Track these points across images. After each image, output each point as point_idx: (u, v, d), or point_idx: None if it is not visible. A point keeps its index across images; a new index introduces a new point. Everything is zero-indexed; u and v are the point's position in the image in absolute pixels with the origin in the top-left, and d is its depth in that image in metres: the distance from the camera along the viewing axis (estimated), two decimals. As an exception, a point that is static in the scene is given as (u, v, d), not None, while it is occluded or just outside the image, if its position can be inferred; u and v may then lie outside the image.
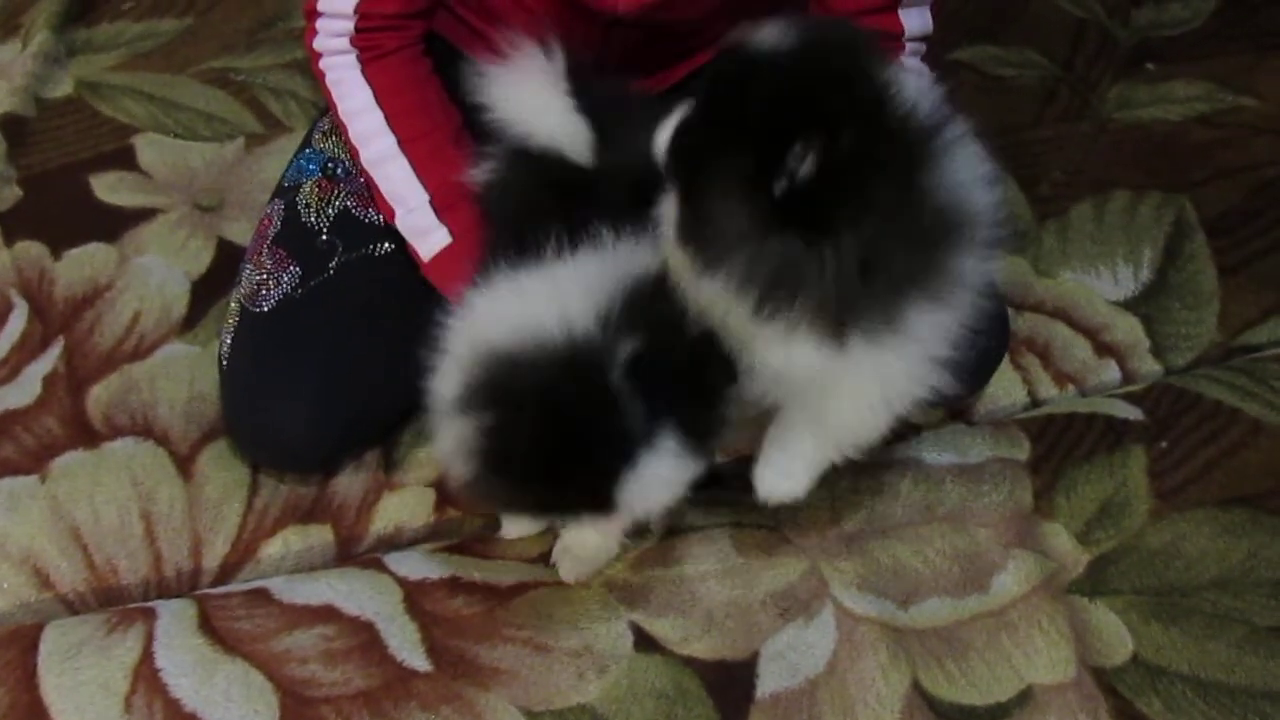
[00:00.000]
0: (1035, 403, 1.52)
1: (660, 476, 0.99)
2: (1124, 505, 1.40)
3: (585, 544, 1.23)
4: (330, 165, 1.38)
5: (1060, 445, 1.45)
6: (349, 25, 1.25)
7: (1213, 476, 1.44)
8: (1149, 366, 1.57)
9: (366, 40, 1.26)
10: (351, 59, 1.26)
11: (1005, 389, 1.52)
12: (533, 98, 1.10)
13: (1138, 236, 1.72)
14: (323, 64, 1.28)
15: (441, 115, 1.27)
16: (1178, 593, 1.33)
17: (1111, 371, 1.56)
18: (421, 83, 1.28)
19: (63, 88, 1.81)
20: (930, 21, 1.28)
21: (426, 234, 1.26)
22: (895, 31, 1.27)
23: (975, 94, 1.92)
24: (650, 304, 0.98)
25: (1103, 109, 1.92)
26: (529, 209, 1.10)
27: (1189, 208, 1.76)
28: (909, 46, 1.28)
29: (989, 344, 1.42)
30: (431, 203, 1.25)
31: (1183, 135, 1.88)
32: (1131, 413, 1.49)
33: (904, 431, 1.46)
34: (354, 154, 1.29)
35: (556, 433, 0.95)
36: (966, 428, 1.47)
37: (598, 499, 1.00)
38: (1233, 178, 1.81)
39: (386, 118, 1.26)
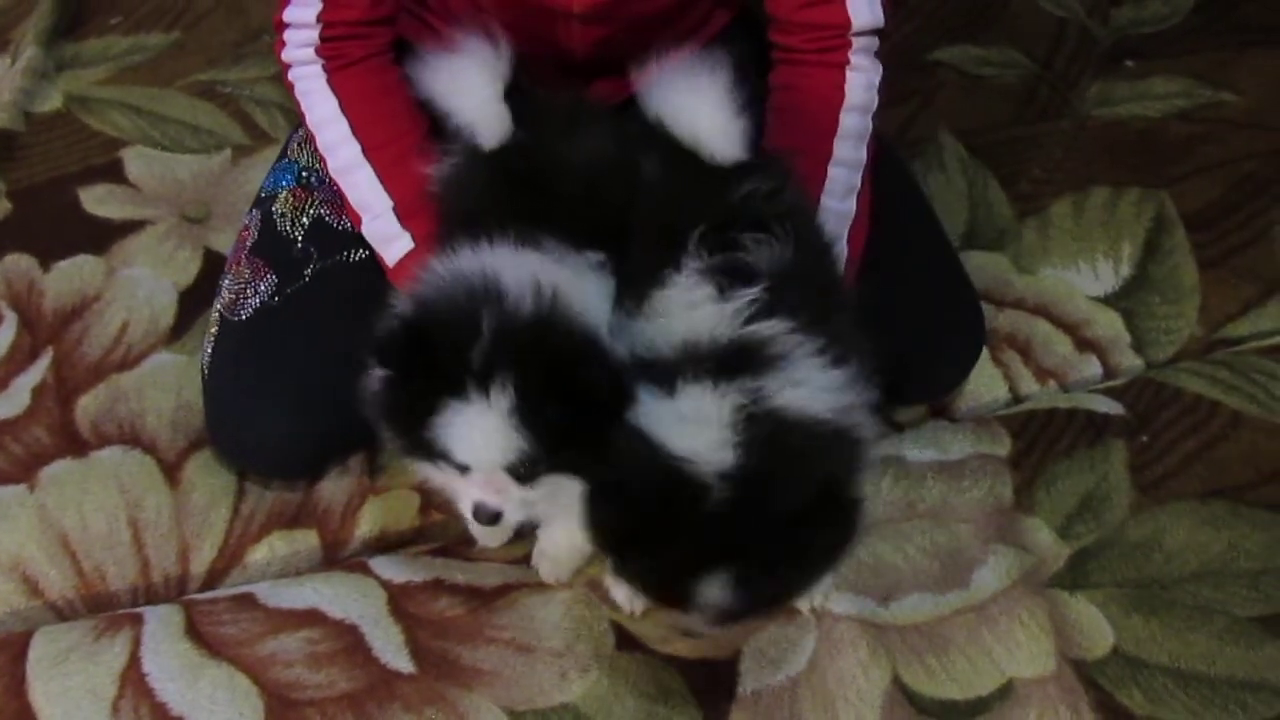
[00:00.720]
0: (1017, 399, 1.53)
1: None
2: (1104, 499, 1.40)
3: (560, 545, 1.24)
4: (305, 175, 1.39)
5: (1041, 440, 1.46)
6: (314, 35, 1.26)
7: (1193, 469, 1.44)
8: (1130, 361, 1.58)
9: (332, 50, 1.27)
10: (318, 69, 1.28)
11: (986, 385, 1.52)
12: (463, 81, 1.12)
13: (1118, 232, 1.72)
14: (291, 75, 1.30)
15: (407, 123, 1.28)
16: (1158, 585, 1.33)
17: (1093, 366, 1.57)
18: (387, 91, 1.29)
19: (51, 102, 1.84)
20: (881, 13, 1.28)
21: (390, 241, 1.27)
22: (841, 24, 1.27)
23: (955, 93, 1.93)
24: None
25: (1082, 106, 1.93)
26: (480, 205, 1.11)
27: (1168, 203, 1.76)
28: (856, 42, 1.28)
29: (966, 341, 1.43)
30: (395, 209, 1.27)
31: (1162, 131, 1.89)
32: (1112, 407, 1.50)
33: (886, 429, 1.47)
34: (323, 163, 1.31)
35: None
36: (948, 424, 1.48)
37: None
38: (1212, 172, 1.82)
39: (351, 126, 1.27)
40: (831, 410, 1.00)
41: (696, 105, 1.09)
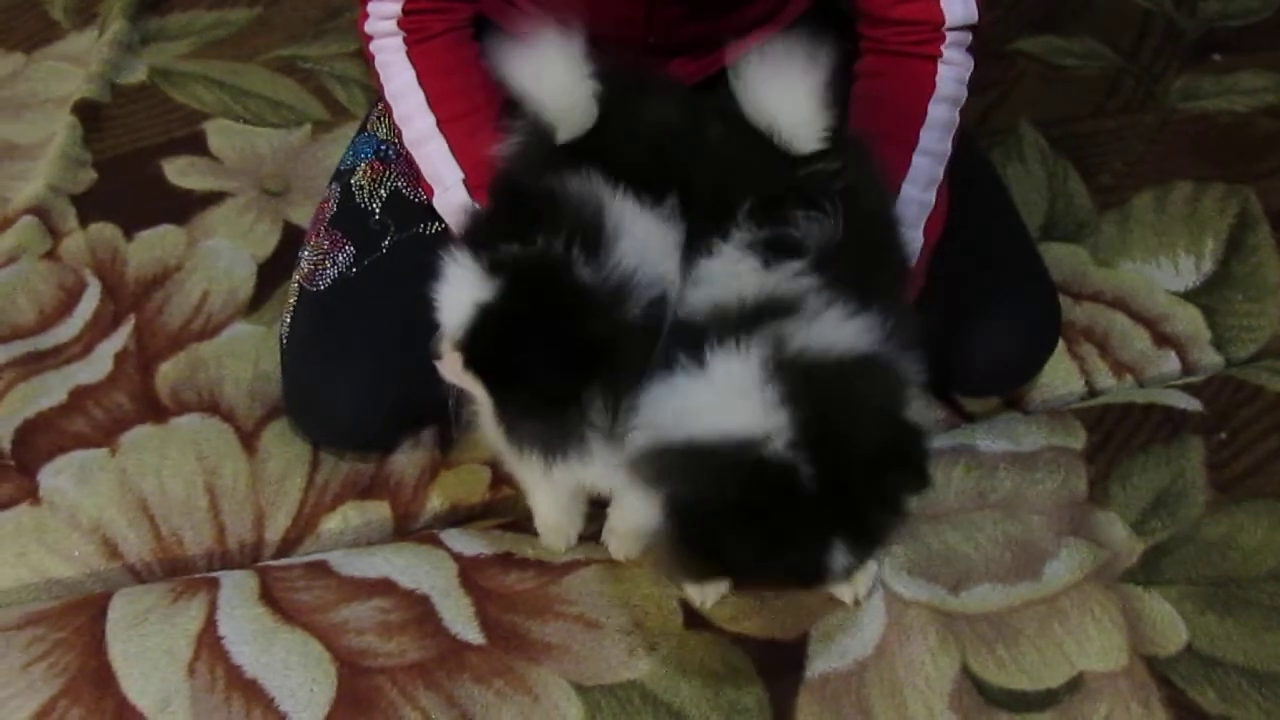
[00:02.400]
0: (1092, 392, 1.51)
1: None
2: (1180, 495, 1.38)
3: (629, 522, 1.24)
4: (383, 148, 1.41)
5: (1117, 434, 1.44)
6: (396, 8, 1.27)
7: (1272, 468, 1.41)
8: (1210, 358, 1.55)
9: (412, 23, 1.28)
10: (398, 41, 1.29)
11: (1062, 378, 1.51)
12: (546, 75, 1.11)
13: (1200, 227, 1.70)
14: (372, 46, 1.31)
15: (483, 97, 1.28)
16: (1234, 584, 1.31)
17: (1171, 362, 1.55)
18: (465, 65, 1.29)
19: (137, 75, 1.87)
20: (975, 9, 1.27)
21: (460, 213, 1.27)
22: (935, 20, 1.26)
23: (1036, 84, 1.91)
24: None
25: (1167, 100, 1.90)
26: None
27: (1254, 199, 1.73)
28: (950, 36, 1.27)
29: (1041, 334, 1.42)
30: (466, 182, 1.27)
31: (1249, 126, 1.85)
32: (1190, 404, 1.48)
33: (958, 419, 1.46)
34: (398, 135, 1.32)
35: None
36: (1021, 416, 1.46)
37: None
38: (1299, 169, 1.79)
39: (427, 98, 1.28)
40: (858, 343, 0.98)
41: (784, 97, 1.08)
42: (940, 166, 1.28)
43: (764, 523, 0.94)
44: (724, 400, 0.95)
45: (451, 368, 1.03)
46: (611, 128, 1.12)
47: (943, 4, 1.26)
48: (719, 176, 1.08)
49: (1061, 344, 1.49)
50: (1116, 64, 1.96)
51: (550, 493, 1.26)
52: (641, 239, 1.02)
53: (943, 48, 1.27)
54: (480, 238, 1.01)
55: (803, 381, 0.94)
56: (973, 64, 1.30)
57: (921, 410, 1.05)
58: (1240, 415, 1.47)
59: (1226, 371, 1.53)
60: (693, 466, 0.95)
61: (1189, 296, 1.62)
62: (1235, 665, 1.25)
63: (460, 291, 1.00)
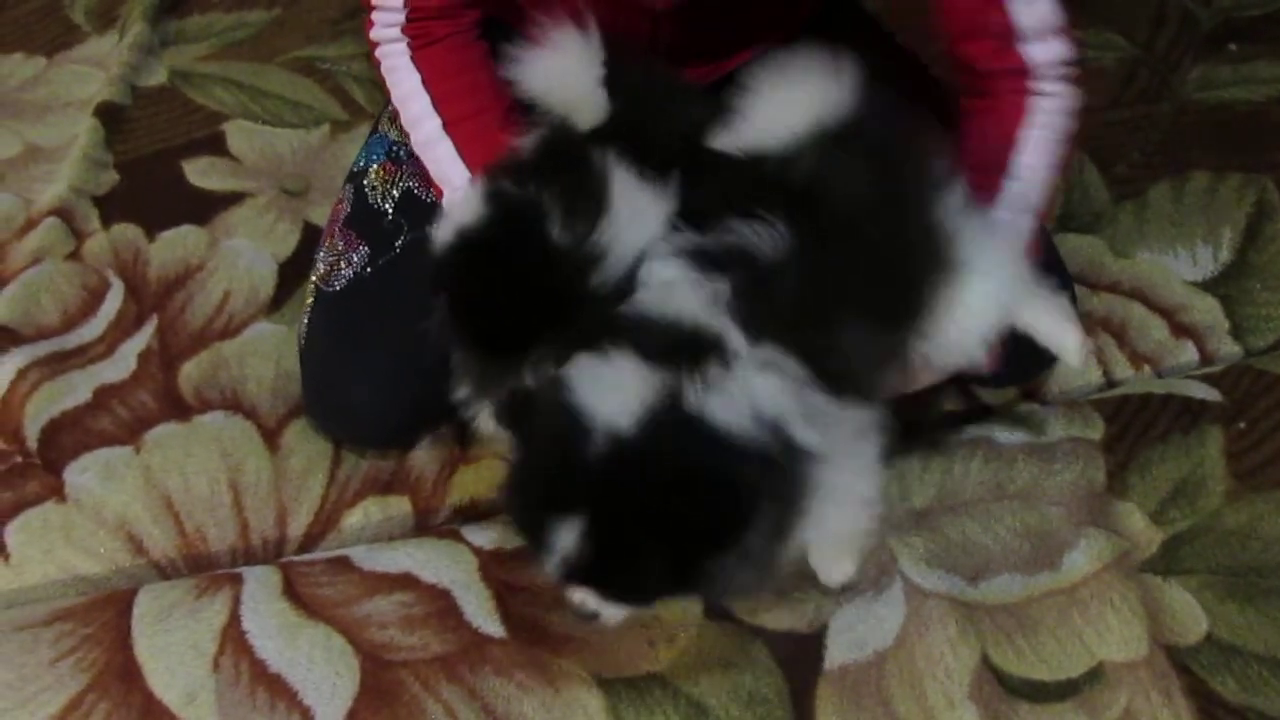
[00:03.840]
0: (1110, 383, 1.51)
1: None
2: (1200, 485, 1.38)
3: None
4: (394, 148, 1.41)
5: (1135, 425, 1.44)
6: (400, 16, 1.28)
7: (1293, 458, 1.41)
8: (1228, 348, 1.55)
9: (417, 29, 1.28)
10: (403, 47, 1.29)
11: (1079, 369, 1.51)
12: (560, 76, 1.12)
13: (1217, 217, 1.69)
14: (378, 53, 1.32)
15: (489, 98, 1.27)
16: (1255, 573, 1.31)
17: (1189, 352, 1.55)
18: (470, 66, 1.29)
19: (157, 77, 1.88)
20: (1061, 48, 1.23)
21: None
22: (1021, 67, 1.23)
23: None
24: None
25: (1183, 90, 1.90)
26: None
27: (1271, 188, 1.73)
28: (1043, 74, 1.23)
29: None
30: (473, 183, 1.28)
31: (1266, 115, 1.85)
32: (1209, 394, 1.47)
33: (975, 411, 1.46)
34: (407, 138, 1.33)
35: None
36: (1039, 407, 1.46)
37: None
38: (1317, 158, 1.78)
39: (433, 101, 1.29)
40: (746, 425, 0.95)
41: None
42: (1036, 194, 1.25)
43: (541, 456, 0.97)
44: (602, 384, 0.96)
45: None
46: (629, 116, 1.13)
47: (1022, 51, 1.22)
48: (704, 179, 1.08)
49: (1079, 335, 1.48)
50: (1132, 54, 1.95)
51: None
52: (629, 217, 1.04)
53: (1034, 83, 1.23)
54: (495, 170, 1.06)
55: (669, 422, 0.94)
56: (1074, 93, 1.26)
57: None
58: (1259, 405, 1.46)
59: (1245, 361, 1.53)
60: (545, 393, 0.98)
61: (1207, 286, 1.62)
62: (1256, 654, 1.25)
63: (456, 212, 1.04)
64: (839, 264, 1.02)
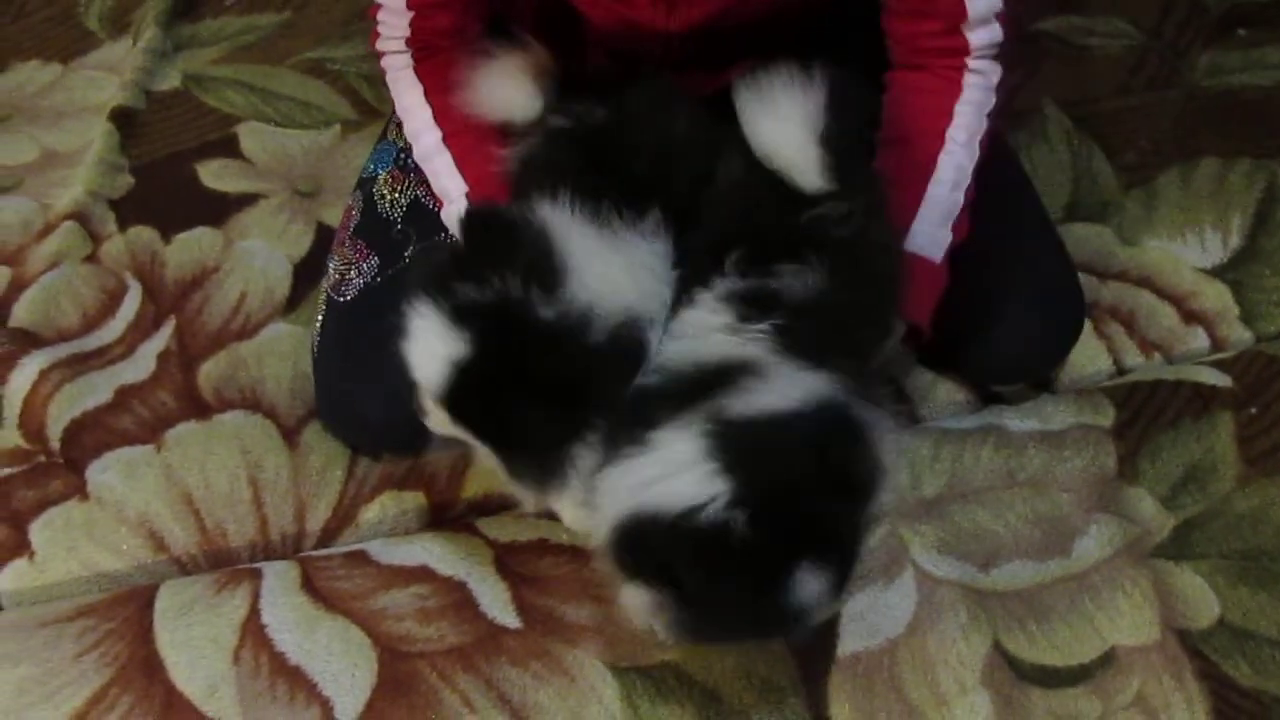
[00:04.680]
0: (1120, 370, 1.52)
1: None
2: (1211, 470, 1.39)
3: None
4: (401, 156, 1.43)
5: (1145, 411, 1.44)
6: (404, 27, 1.29)
7: (1304, 442, 1.42)
8: (1239, 334, 1.55)
9: (420, 41, 1.30)
10: (406, 59, 1.31)
11: (1089, 357, 1.51)
12: (498, 90, 1.17)
13: (1227, 203, 1.69)
14: (383, 63, 1.34)
15: None
16: (1266, 557, 1.31)
17: (1199, 339, 1.55)
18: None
19: (170, 81, 1.90)
20: (1000, 31, 1.27)
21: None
22: (962, 47, 1.27)
23: (1060, 64, 1.91)
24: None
25: (1192, 76, 1.90)
26: (550, 180, 1.11)
27: (1281, 174, 1.73)
28: (974, 62, 1.28)
29: (1065, 323, 1.43)
30: (469, 195, 1.29)
31: (1275, 101, 1.84)
32: (1220, 379, 1.48)
33: (986, 399, 1.47)
34: (410, 149, 1.34)
35: None
36: (1049, 396, 1.47)
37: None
38: (1327, 144, 1.78)
39: (433, 113, 1.31)
40: (794, 401, 0.98)
41: (781, 130, 1.08)
42: (968, 167, 1.29)
43: (719, 586, 0.96)
44: (667, 471, 0.97)
45: (439, 422, 1.07)
46: (614, 140, 1.14)
47: (967, 35, 1.26)
48: (725, 219, 1.08)
49: (1088, 323, 1.49)
50: (1140, 42, 1.95)
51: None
52: (600, 266, 1.03)
53: (968, 60, 1.28)
54: (440, 283, 1.03)
55: (736, 441, 0.96)
56: (1000, 70, 1.30)
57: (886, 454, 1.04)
58: (1271, 389, 1.47)
59: (1256, 347, 1.53)
60: (649, 542, 0.97)
61: (1216, 273, 1.62)
62: (1268, 638, 1.25)
63: (430, 346, 1.02)
64: (853, 310, 1.08)
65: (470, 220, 1.07)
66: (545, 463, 1.06)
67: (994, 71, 1.30)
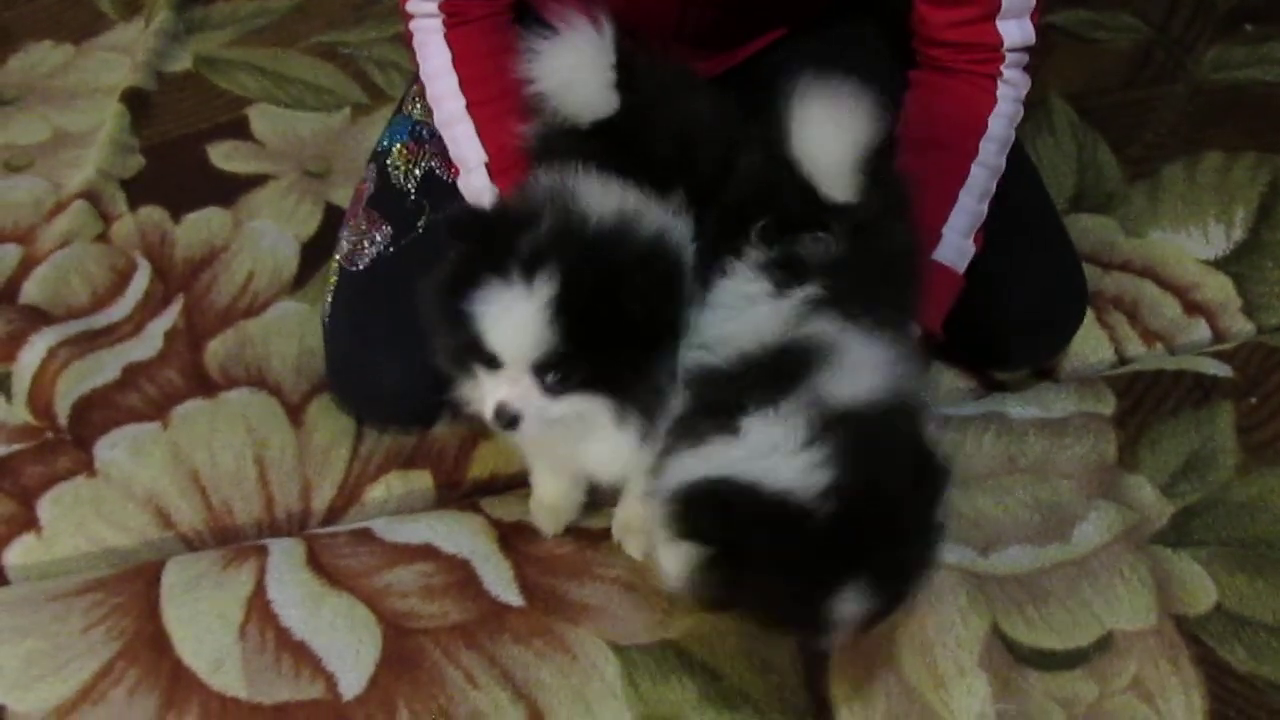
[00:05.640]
0: (1122, 360, 1.53)
1: None
2: (1210, 459, 1.40)
3: (642, 517, 1.22)
4: (417, 129, 1.43)
5: (1146, 400, 1.45)
6: None
7: (1303, 432, 1.42)
8: (1240, 325, 1.56)
9: (453, 6, 1.30)
10: (437, 23, 1.31)
11: (1092, 347, 1.52)
12: (570, 72, 1.13)
13: (1230, 196, 1.70)
14: (412, 26, 1.34)
15: (514, 83, 1.26)
16: (1264, 545, 1.32)
17: (1201, 330, 1.56)
18: (499, 50, 1.29)
19: (182, 63, 1.91)
20: (1032, 32, 1.27)
21: (481, 195, 1.30)
22: (994, 43, 1.27)
23: (1067, 57, 1.92)
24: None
25: (1198, 71, 1.90)
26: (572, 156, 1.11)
27: (1284, 167, 1.74)
28: (1009, 57, 1.28)
29: (1068, 310, 1.43)
30: (488, 165, 1.30)
31: (1280, 96, 1.86)
32: (1221, 369, 1.48)
33: (988, 387, 1.48)
34: (430, 114, 1.35)
35: None
36: (1051, 384, 1.48)
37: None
38: (1332, 139, 1.78)
39: (459, 81, 1.31)
40: (888, 388, 1.00)
41: (824, 145, 1.07)
42: (994, 180, 1.30)
43: (775, 560, 0.96)
44: (760, 458, 0.97)
45: (524, 392, 1.01)
46: (637, 118, 1.14)
47: (1000, 28, 1.26)
48: (743, 193, 1.08)
49: (1091, 313, 1.50)
50: (1148, 36, 1.96)
51: (553, 477, 1.28)
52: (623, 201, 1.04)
53: (1002, 68, 1.28)
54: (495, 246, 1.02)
55: (840, 434, 0.96)
56: (1029, 82, 1.31)
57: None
58: (1271, 380, 1.48)
59: (1257, 338, 1.54)
60: (728, 508, 0.96)
61: (1219, 264, 1.63)
62: (1265, 624, 1.26)
63: (512, 312, 0.98)
64: (876, 270, 1.08)
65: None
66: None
67: (1024, 84, 1.30)
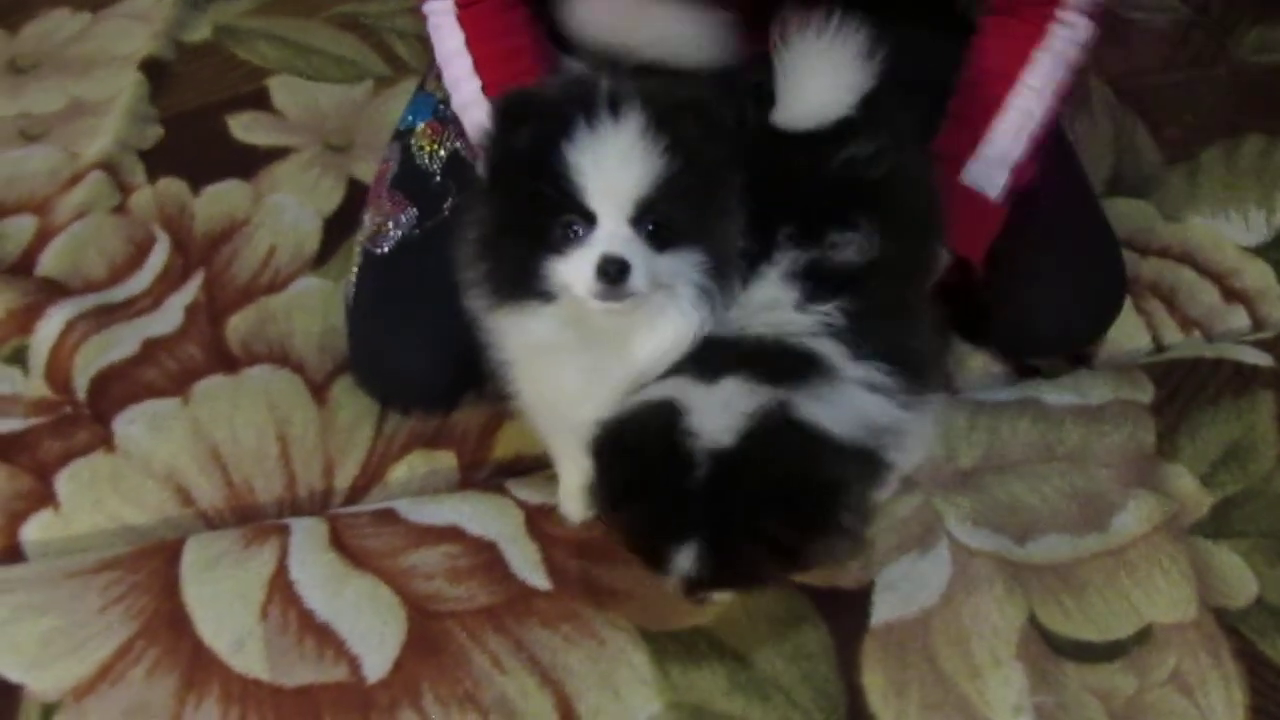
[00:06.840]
0: (1159, 348, 1.50)
1: None
2: (1251, 449, 1.37)
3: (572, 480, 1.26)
4: (440, 108, 1.41)
5: (1185, 389, 1.42)
6: None
7: (1346, 423, 1.40)
8: (1280, 313, 1.54)
9: None
10: (449, 5, 1.29)
11: (1128, 334, 1.49)
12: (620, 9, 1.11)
13: (1272, 181, 1.67)
14: (425, 8, 1.31)
15: (530, 63, 1.27)
16: (1305, 538, 1.30)
17: (1240, 318, 1.53)
18: (512, 30, 1.28)
19: (201, 32, 1.89)
20: None
21: None
22: None
23: (1105, 38, 1.86)
24: None
25: (1238, 52, 1.87)
26: None
27: (1328, 153, 1.71)
28: (1064, 14, 1.26)
29: (1106, 297, 1.41)
30: None
31: (1323, 79, 1.82)
32: (1261, 359, 1.45)
33: (1024, 373, 1.45)
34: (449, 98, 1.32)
35: None
36: (1088, 371, 1.45)
37: None
38: (1375, 122, 1.75)
39: (474, 62, 1.28)
40: (851, 431, 1.00)
41: (813, 76, 1.06)
42: (1036, 118, 1.26)
43: (647, 484, 0.97)
44: (707, 405, 0.98)
45: (629, 241, 0.98)
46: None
47: None
48: (769, 198, 1.06)
49: (1128, 300, 1.47)
50: (1187, 17, 1.93)
51: (577, 462, 1.26)
52: None
53: (1058, 11, 1.25)
54: None
55: (770, 429, 0.96)
56: (1093, 28, 1.28)
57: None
58: (1312, 370, 1.45)
59: (1298, 326, 1.51)
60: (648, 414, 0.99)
61: (1259, 251, 1.59)
62: (1306, 619, 1.24)
63: (608, 147, 0.96)
64: (908, 258, 1.10)
65: None
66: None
67: (1084, 27, 1.27)
